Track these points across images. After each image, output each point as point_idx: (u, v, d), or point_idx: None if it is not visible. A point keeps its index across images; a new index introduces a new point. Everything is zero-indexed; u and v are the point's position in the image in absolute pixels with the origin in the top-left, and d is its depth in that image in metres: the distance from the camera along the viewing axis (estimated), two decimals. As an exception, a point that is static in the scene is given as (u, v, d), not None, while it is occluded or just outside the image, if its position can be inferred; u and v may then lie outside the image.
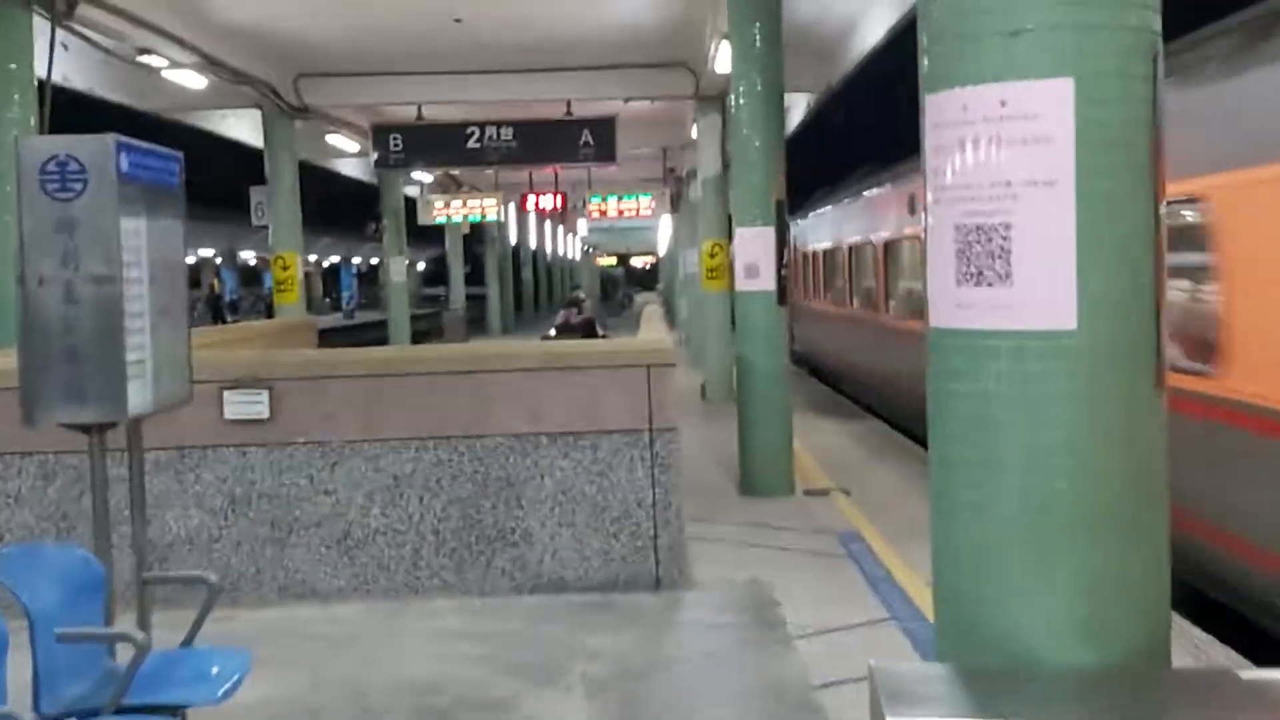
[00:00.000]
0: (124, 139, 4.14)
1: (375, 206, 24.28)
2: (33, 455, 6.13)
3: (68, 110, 9.91)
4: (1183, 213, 5.51)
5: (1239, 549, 5.17)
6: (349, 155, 20.83)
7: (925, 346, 2.56)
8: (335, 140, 18.06)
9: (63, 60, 11.08)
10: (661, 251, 57.34)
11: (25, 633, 3.38)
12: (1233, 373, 5.18)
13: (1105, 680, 2.33)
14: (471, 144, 14.81)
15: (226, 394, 6.18)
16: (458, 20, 12.36)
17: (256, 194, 16.38)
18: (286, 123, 15.19)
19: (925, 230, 2.51)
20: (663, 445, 6.25)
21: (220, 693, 3.58)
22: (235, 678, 3.67)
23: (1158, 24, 2.37)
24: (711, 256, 14.98)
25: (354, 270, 57.13)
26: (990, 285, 2.35)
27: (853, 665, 5.10)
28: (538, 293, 46.90)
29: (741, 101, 8.71)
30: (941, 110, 2.41)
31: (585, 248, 59.95)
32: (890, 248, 12.99)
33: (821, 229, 18.63)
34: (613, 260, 73.86)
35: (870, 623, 5.73)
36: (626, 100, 15.46)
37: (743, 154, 8.80)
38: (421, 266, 69.69)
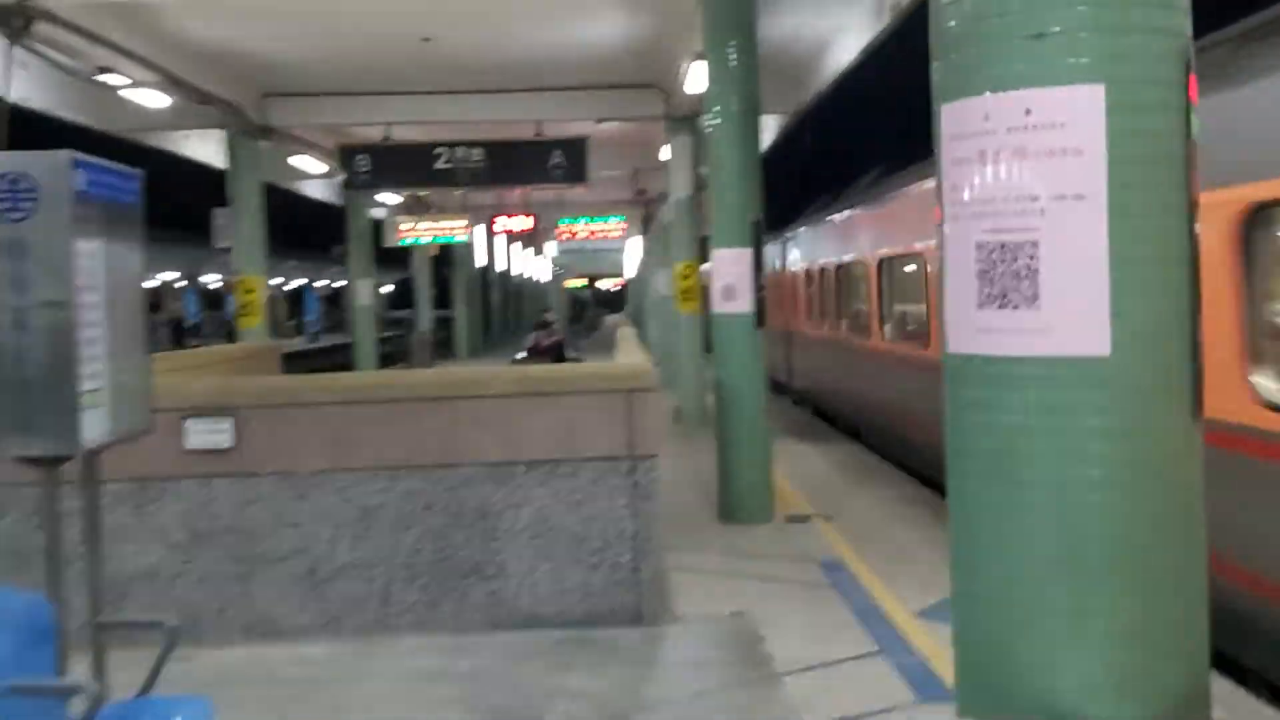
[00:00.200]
0: (81, 156, 3.93)
1: (341, 229, 23.96)
2: (-17, 488, 5.84)
3: (24, 130, 9.63)
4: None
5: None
6: (314, 176, 20.55)
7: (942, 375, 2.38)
8: (300, 161, 17.79)
9: (21, 79, 10.82)
10: (630, 274, 57.26)
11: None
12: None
13: (1143, 735, 2.15)
14: (440, 165, 14.62)
15: (188, 423, 5.93)
16: (426, 39, 12.19)
17: (219, 216, 16.06)
18: (251, 144, 14.92)
19: (942, 249, 2.33)
20: (643, 473, 6.05)
21: (179, 747, 3.33)
22: (195, 731, 3.42)
23: (1189, 26, 2.21)
24: (684, 278, 14.83)
25: (318, 293, 56.57)
26: (1016, 308, 2.18)
27: (844, 704, 4.92)
28: (506, 315, 46.60)
29: (717, 121, 8.56)
30: (960, 120, 2.24)
31: (554, 270, 59.71)
32: None
33: (830, 240, 15.23)
34: (581, 282, 73.68)
35: (859, 657, 5.54)
36: (598, 121, 15.32)
37: (718, 174, 8.65)
38: (388, 289, 69.20)
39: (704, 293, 15.33)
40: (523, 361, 16.25)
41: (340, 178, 14.93)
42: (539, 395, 6.06)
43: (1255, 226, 4.62)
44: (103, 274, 4.03)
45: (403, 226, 21.23)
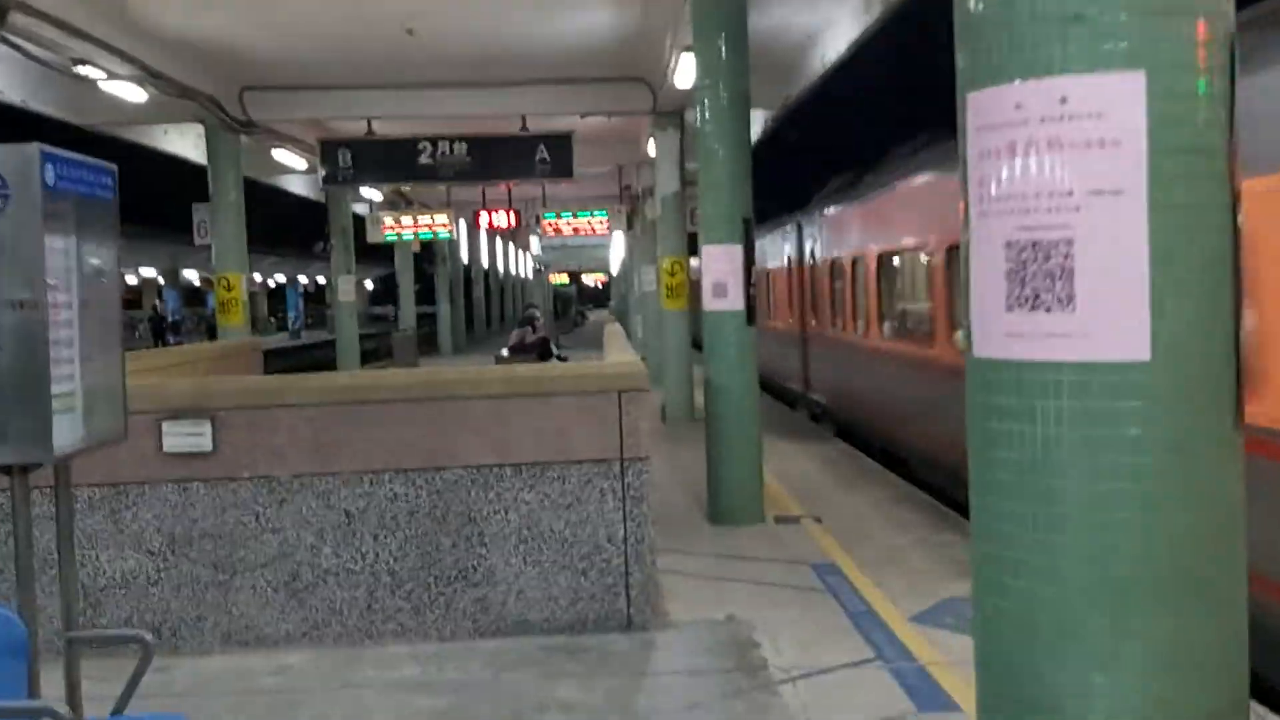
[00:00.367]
0: (50, 149, 3.76)
1: (323, 224, 23.72)
2: (-49, 494, 5.66)
3: (-3, 124, 9.42)
4: None
5: None
6: (296, 172, 20.34)
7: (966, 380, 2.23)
8: (282, 156, 17.59)
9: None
10: (614, 270, 57.16)
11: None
12: None
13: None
14: (424, 159, 14.44)
15: (165, 425, 5.75)
16: (409, 32, 12.01)
17: (199, 212, 15.86)
18: (231, 138, 14.73)
19: (967, 247, 2.19)
20: (634, 476, 5.91)
21: (153, 770, 3.17)
22: (170, 751, 3.26)
23: (1233, 10, 2.07)
24: (671, 275, 14.70)
25: (300, 290, 56.22)
26: (1048, 310, 2.03)
27: (842, 712, 4.80)
28: (489, 311, 46.42)
29: (707, 115, 8.41)
30: (988, 110, 2.09)
31: (538, 266, 59.54)
32: None
33: (867, 222, 12.89)
34: (565, 278, 73.54)
35: (856, 664, 5.41)
36: (583, 116, 15.17)
37: (708, 169, 8.50)
38: (371, 285, 68.88)
39: (692, 289, 15.20)
40: (506, 359, 16.07)
41: (321, 173, 14.71)
42: (528, 396, 5.91)
43: None
44: (75, 272, 3.90)
45: (386, 222, 21.06)
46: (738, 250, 8.38)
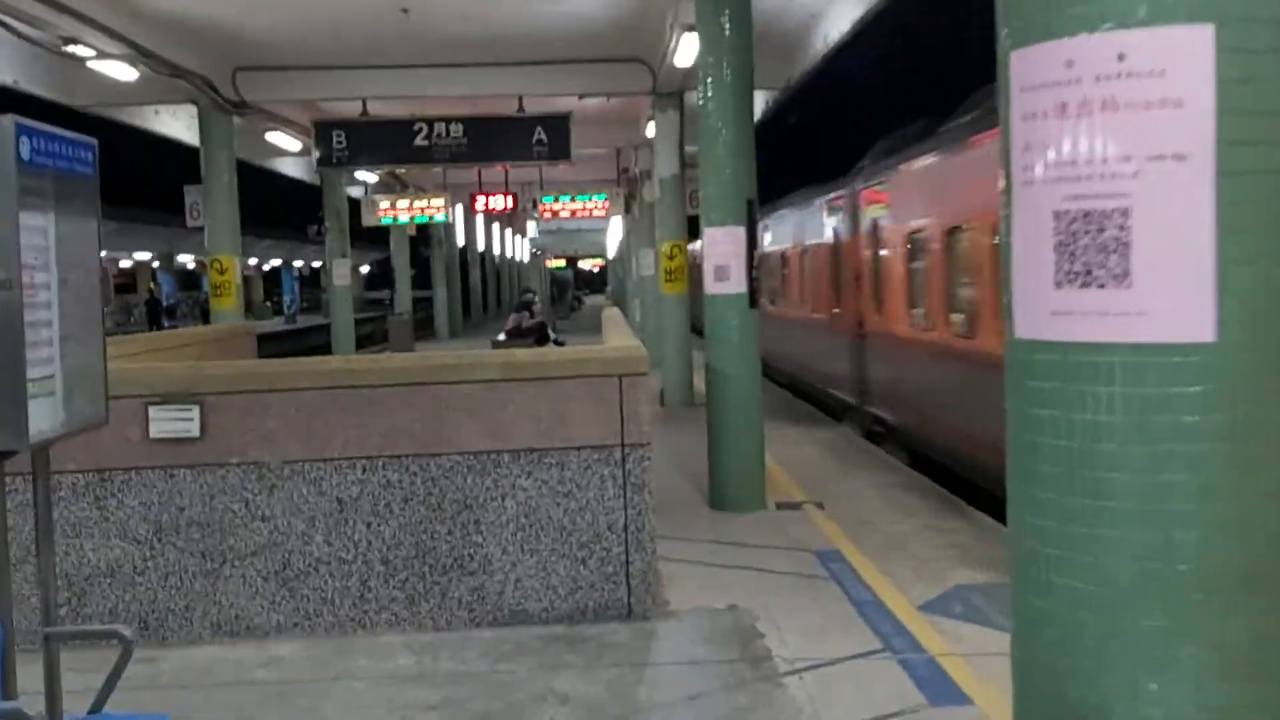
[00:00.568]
0: (25, 121, 3.58)
1: (318, 208, 23.50)
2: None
3: (-18, 101, 9.20)
4: None
5: None
6: (290, 154, 20.11)
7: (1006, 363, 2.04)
8: (275, 138, 17.37)
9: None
10: (611, 254, 56.94)
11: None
12: None
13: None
14: (419, 141, 14.21)
15: (152, 410, 5.58)
16: (404, 10, 11.82)
17: (191, 194, 15.66)
18: (224, 119, 14.51)
19: (1008, 218, 2.01)
20: (635, 462, 5.75)
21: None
22: (152, 751, 3.11)
23: None
24: (670, 258, 14.52)
25: (295, 273, 55.94)
26: (1101, 286, 1.86)
27: (850, 706, 4.65)
28: (486, 296, 46.22)
29: (709, 92, 8.22)
30: (1035, 68, 1.91)
31: (534, 250, 59.29)
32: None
33: (964, 182, 9.58)
34: (561, 263, 73.34)
35: (863, 655, 5.26)
36: (581, 97, 14.96)
37: (710, 149, 8.32)
38: (366, 269, 68.62)
39: (692, 273, 15.03)
40: (503, 344, 15.90)
41: (315, 155, 14.49)
42: (525, 381, 5.74)
43: None
44: (53, 251, 3.73)
45: (381, 205, 20.86)
46: (740, 232, 8.21)
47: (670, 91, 14.55)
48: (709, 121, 8.26)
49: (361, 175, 23.03)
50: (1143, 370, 1.86)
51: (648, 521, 5.81)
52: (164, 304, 42.97)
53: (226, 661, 5.38)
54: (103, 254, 4.34)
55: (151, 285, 48.29)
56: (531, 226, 35.90)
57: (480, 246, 43.10)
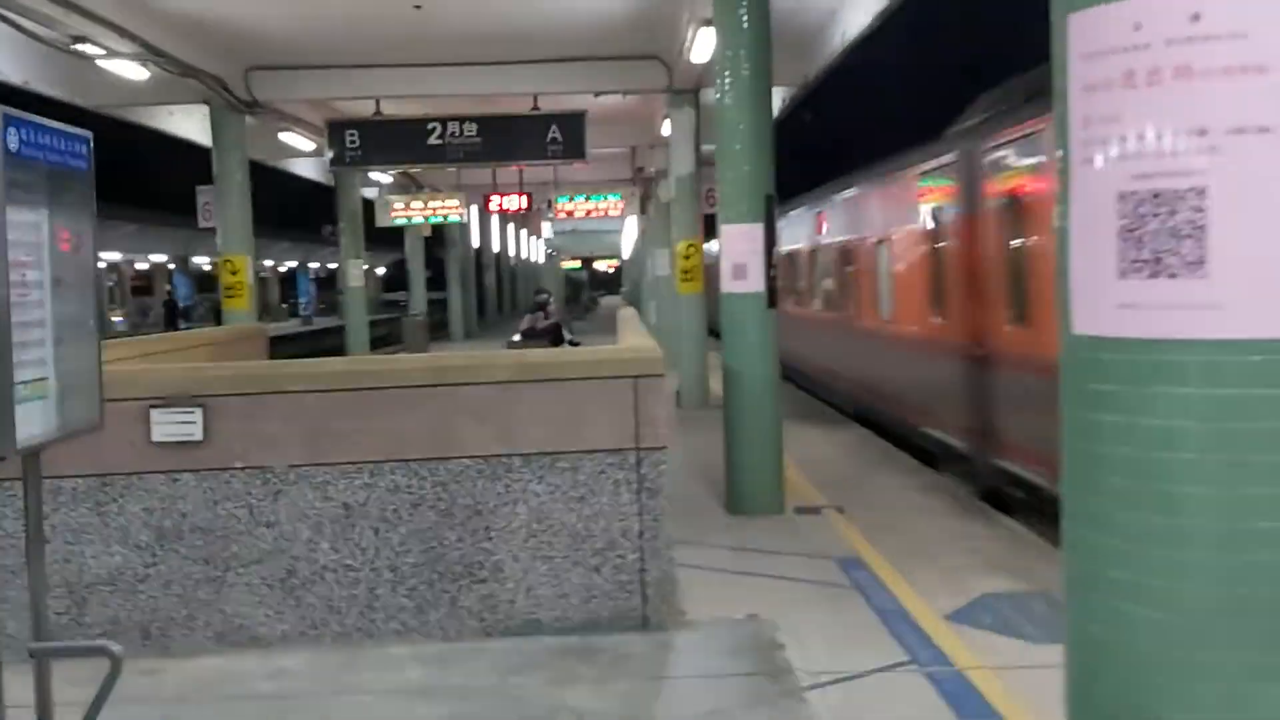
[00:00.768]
0: (13, 112, 3.44)
1: (332, 209, 23.42)
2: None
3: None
4: None
5: None
6: (304, 155, 20.02)
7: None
8: (289, 138, 17.27)
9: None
10: (626, 254, 56.81)
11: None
12: None
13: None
14: (433, 140, 14.08)
15: (154, 413, 5.43)
16: (417, 7, 11.67)
17: (203, 194, 15.54)
18: (236, 119, 14.40)
19: (1064, 201, 1.81)
20: (650, 466, 5.57)
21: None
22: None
23: None
24: (686, 258, 14.35)
25: (311, 275, 56.00)
26: (1173, 276, 1.67)
27: (877, 723, 4.46)
28: (501, 297, 46.16)
29: (727, 87, 8.05)
30: (1097, 33, 1.71)
31: (549, 251, 59.22)
32: None
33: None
34: (576, 264, 73.31)
35: (888, 667, 5.07)
36: (596, 95, 14.79)
37: (728, 145, 8.14)
38: (383, 271, 68.67)
39: (707, 272, 14.85)
40: (518, 345, 15.76)
41: (328, 155, 14.37)
42: (538, 383, 5.58)
43: None
44: (46, 248, 3.58)
45: (395, 206, 20.77)
46: (759, 230, 8.03)
47: (686, 89, 14.39)
48: (727, 116, 8.09)
49: (376, 176, 22.96)
50: (1220, 369, 1.66)
51: (663, 528, 5.63)
52: (180, 305, 43.08)
53: (230, 673, 5.23)
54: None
55: (168, 287, 48.39)
56: (546, 227, 35.79)
57: (495, 248, 43.06)
